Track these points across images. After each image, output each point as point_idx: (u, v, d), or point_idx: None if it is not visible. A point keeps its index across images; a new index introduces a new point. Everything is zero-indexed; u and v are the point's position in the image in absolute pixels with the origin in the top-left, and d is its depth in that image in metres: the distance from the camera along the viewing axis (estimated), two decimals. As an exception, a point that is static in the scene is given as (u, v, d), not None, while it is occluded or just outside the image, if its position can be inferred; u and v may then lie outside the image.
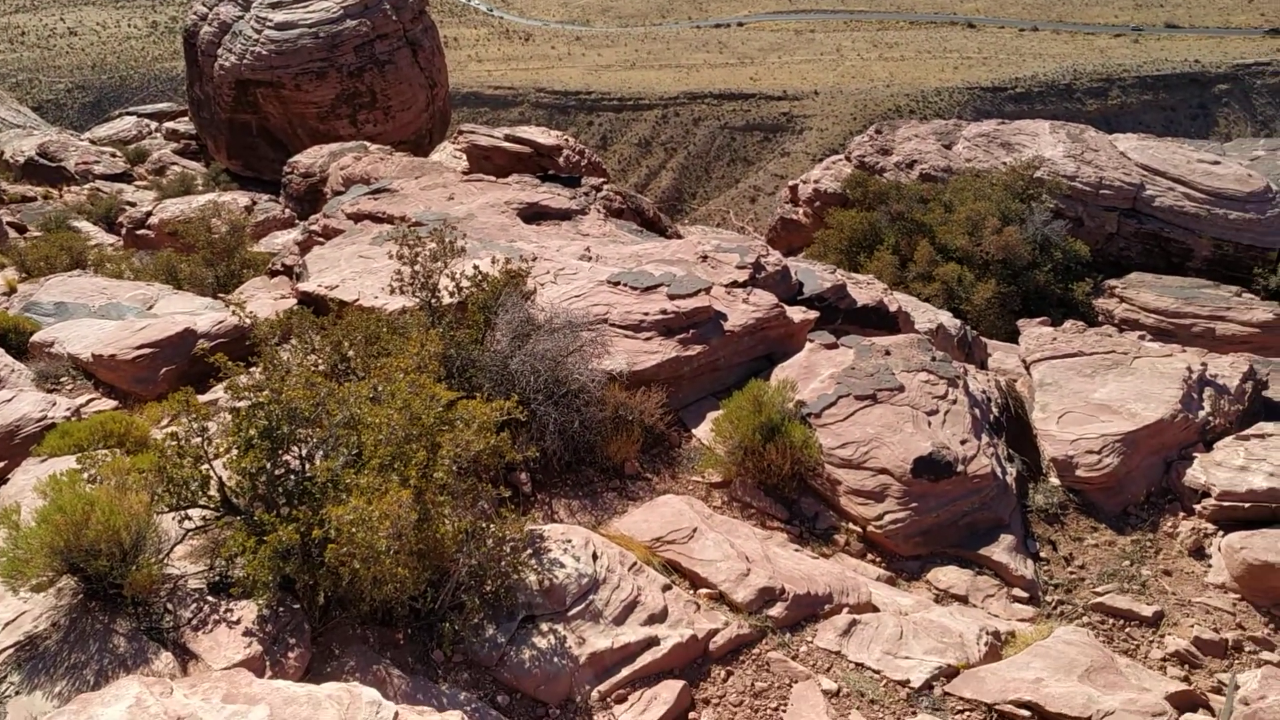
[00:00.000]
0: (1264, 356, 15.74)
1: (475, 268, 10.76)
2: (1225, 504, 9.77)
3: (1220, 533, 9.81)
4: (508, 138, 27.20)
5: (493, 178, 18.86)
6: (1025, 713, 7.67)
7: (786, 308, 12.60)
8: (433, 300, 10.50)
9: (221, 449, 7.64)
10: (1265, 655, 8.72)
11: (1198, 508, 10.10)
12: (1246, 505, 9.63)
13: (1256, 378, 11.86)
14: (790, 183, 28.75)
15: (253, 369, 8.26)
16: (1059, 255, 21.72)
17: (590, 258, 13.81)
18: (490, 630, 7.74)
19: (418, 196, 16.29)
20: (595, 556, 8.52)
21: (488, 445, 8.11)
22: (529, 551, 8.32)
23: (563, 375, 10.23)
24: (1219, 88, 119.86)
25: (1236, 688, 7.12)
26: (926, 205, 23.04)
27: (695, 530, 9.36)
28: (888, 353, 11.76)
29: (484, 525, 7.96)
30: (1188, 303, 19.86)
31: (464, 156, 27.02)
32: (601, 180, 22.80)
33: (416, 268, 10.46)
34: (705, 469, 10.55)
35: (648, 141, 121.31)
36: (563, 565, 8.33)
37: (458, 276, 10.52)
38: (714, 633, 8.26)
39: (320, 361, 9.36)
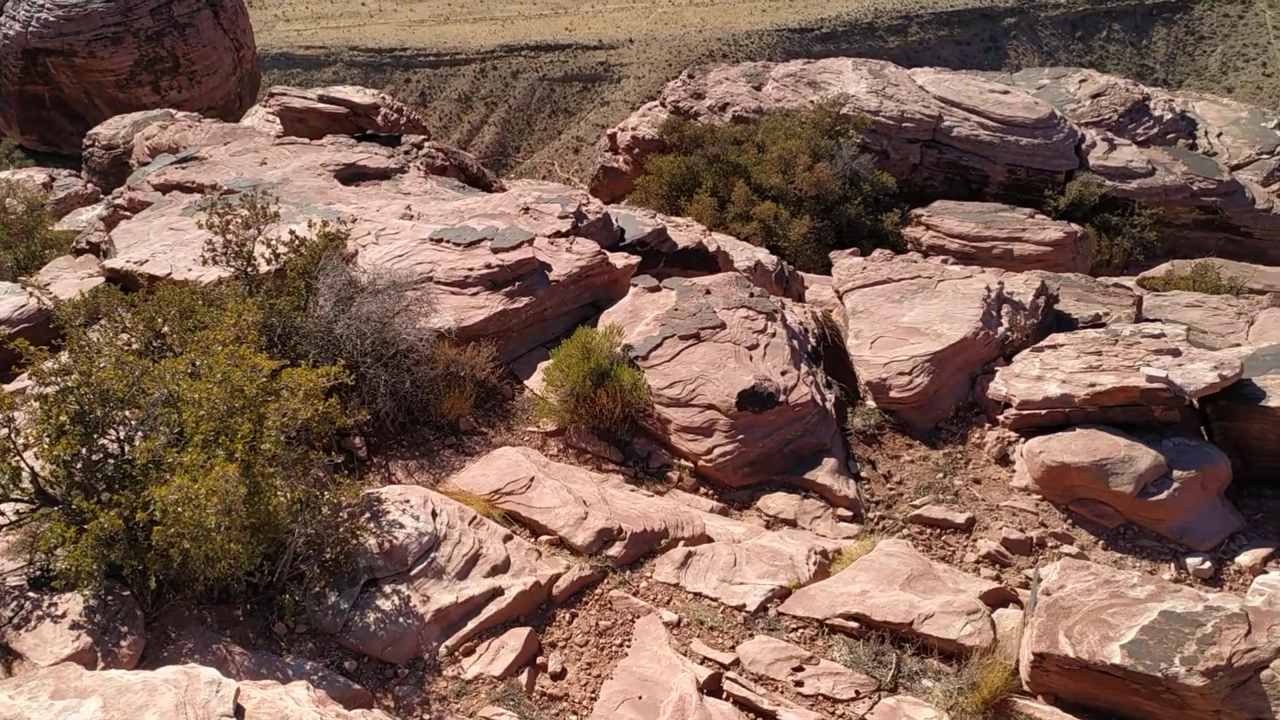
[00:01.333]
0: (1056, 272, 16.57)
1: (292, 233, 10.41)
2: (1025, 413, 10.30)
3: (1022, 440, 10.35)
4: (322, 98, 26.31)
5: (307, 140, 18.22)
6: (854, 624, 8.00)
7: (609, 255, 12.63)
8: (249, 269, 10.12)
9: (31, 438, 7.22)
10: (1065, 549, 9.29)
11: (1001, 418, 10.62)
12: (1043, 412, 10.17)
13: (1048, 293, 12.49)
14: (609, 131, 28.71)
15: (60, 353, 7.84)
16: (868, 188, 22.32)
17: (412, 216, 13.53)
18: (333, 597, 7.61)
19: (229, 163, 15.62)
20: (435, 514, 8.45)
21: (316, 412, 7.91)
22: (367, 515, 8.20)
23: (390, 336, 10.03)
24: (1008, 21, 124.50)
25: (1039, 580, 7.56)
26: (741, 147, 23.32)
27: (533, 479, 9.37)
28: (708, 292, 11.92)
29: (318, 493, 7.80)
30: (987, 226, 20.72)
31: (277, 120, 26.01)
32: (422, 138, 22.29)
33: (229, 236, 10.06)
34: (540, 418, 10.55)
35: (468, 97, 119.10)
36: (402, 526, 8.23)
37: (274, 243, 10.17)
38: (556, 577, 8.32)
39: (133, 340, 8.92)
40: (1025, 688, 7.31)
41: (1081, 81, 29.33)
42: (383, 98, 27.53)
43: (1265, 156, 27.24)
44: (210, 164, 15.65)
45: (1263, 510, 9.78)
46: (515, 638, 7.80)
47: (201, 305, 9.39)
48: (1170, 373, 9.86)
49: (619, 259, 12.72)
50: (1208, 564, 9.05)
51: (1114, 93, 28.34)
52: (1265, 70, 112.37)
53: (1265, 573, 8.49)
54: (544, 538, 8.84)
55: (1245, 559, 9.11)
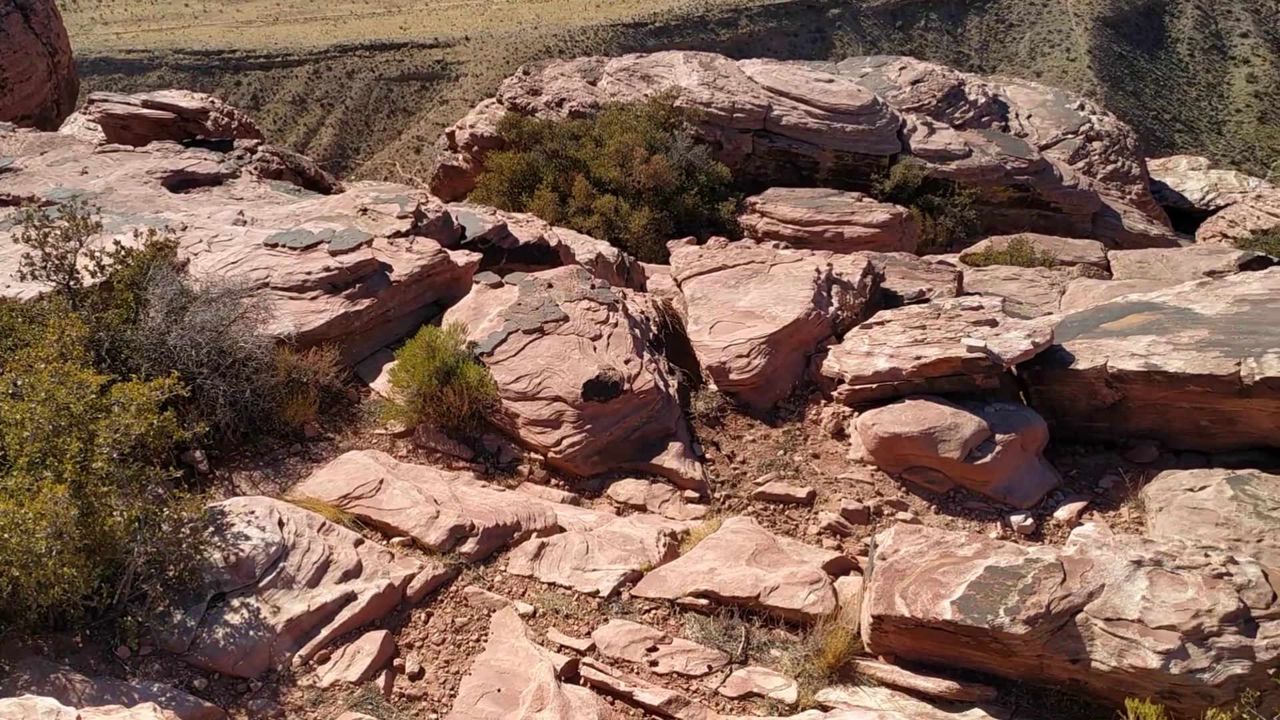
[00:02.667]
0: (884, 252, 17.16)
1: (117, 243, 10.00)
2: (857, 388, 10.65)
3: (856, 414, 10.70)
4: (146, 104, 25.17)
5: (132, 147, 17.48)
6: (704, 601, 8.15)
7: (450, 253, 12.53)
8: (71, 283, 9.68)
9: None
10: (900, 515, 9.65)
11: (836, 394, 10.96)
12: (874, 386, 10.53)
13: (875, 272, 12.93)
14: (448, 129, 28.38)
15: None
16: (704, 178, 22.64)
17: (245, 221, 13.15)
18: (178, 616, 7.37)
19: (46, 174, 14.89)
20: (282, 524, 8.26)
21: (151, 427, 7.66)
22: (210, 529, 7.96)
23: (227, 345, 9.75)
24: (832, 12, 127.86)
25: (876, 547, 7.84)
26: (579, 141, 23.37)
27: (382, 482, 9.25)
28: (550, 286, 11.94)
29: (158, 510, 7.52)
30: (818, 211, 21.29)
31: (99, 127, 24.83)
32: (256, 142, 21.67)
33: (48, 249, 9.60)
34: (387, 420, 10.41)
35: (302, 99, 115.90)
36: (248, 538, 8.02)
37: (98, 254, 9.76)
38: (410, 578, 8.24)
39: (-53, 364, 8.44)
40: (867, 649, 7.58)
41: (901, 69, 30.35)
42: (212, 101, 26.53)
43: (1070, 136, 28.72)
44: (26, 175, 14.88)
45: (1077, 467, 10.35)
46: (371, 641, 7.70)
47: (21, 322, 8.96)
48: (989, 342, 10.33)
49: (460, 257, 12.63)
50: (1030, 520, 9.54)
51: (932, 79, 29.42)
52: (1069, 55, 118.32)
53: (1081, 524, 9.00)
54: (396, 539, 8.75)
55: (1063, 513, 9.64)
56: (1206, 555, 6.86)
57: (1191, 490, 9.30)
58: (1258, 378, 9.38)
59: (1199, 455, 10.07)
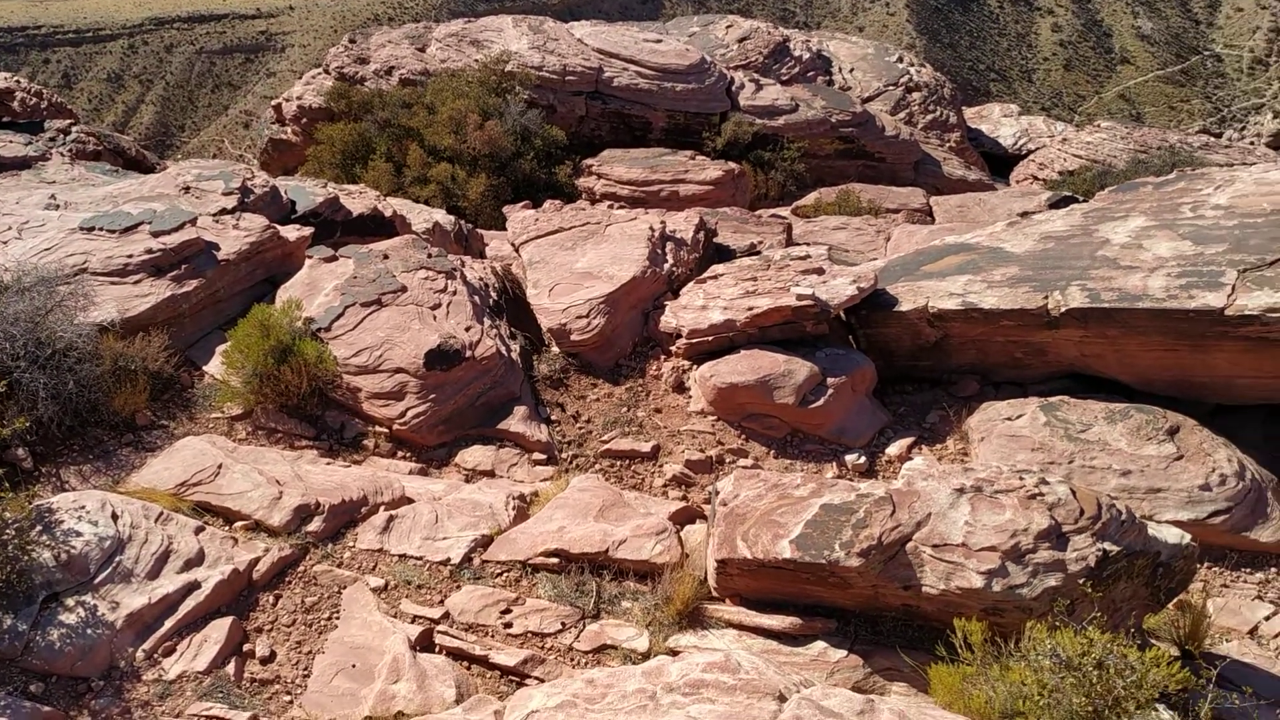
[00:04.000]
0: (720, 208, 17.39)
1: (-87, 238, 9.37)
2: (694, 341, 10.81)
3: (694, 367, 10.87)
4: (-59, 88, 23.52)
5: (-73, 135, 16.35)
6: (554, 560, 8.19)
7: (280, 228, 12.14)
8: None
9: None
10: (741, 462, 9.88)
11: (674, 349, 11.10)
12: (710, 339, 10.71)
13: (707, 227, 13.10)
14: (274, 102, 27.39)
15: None
16: (539, 143, 22.45)
17: (58, 205, 12.47)
18: (8, 620, 7.02)
19: None
20: (116, 516, 7.93)
21: (-37, 427, 7.24)
22: (38, 529, 7.59)
23: (45, 336, 9.27)
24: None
25: (718, 493, 8.01)
26: (411, 110, 22.88)
27: (220, 466, 8.96)
28: (386, 257, 11.71)
29: (-23, 512, 7.14)
30: (653, 171, 21.39)
31: (-110, 114, 23.07)
32: (69, 122, 20.47)
33: None
34: (223, 404, 10.07)
35: (118, 75, 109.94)
36: (79, 534, 7.67)
37: (-108, 251, 9.13)
38: (256, 562, 8.03)
39: None
40: (714, 593, 7.75)
41: (728, 27, 30.66)
42: (17, 81, 24.95)
43: (891, 88, 29.57)
44: None
45: (905, 404, 10.77)
46: (218, 629, 7.49)
47: None
48: (816, 290, 10.62)
49: (291, 232, 12.26)
50: (863, 459, 9.89)
51: (758, 36, 29.82)
52: (889, 9, 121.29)
53: (911, 459, 9.37)
54: (239, 524, 8.50)
55: (894, 449, 10.03)
56: (1021, 478, 7.23)
57: (1009, 419, 9.79)
58: (1064, 309, 9.90)
59: (1016, 386, 10.60)
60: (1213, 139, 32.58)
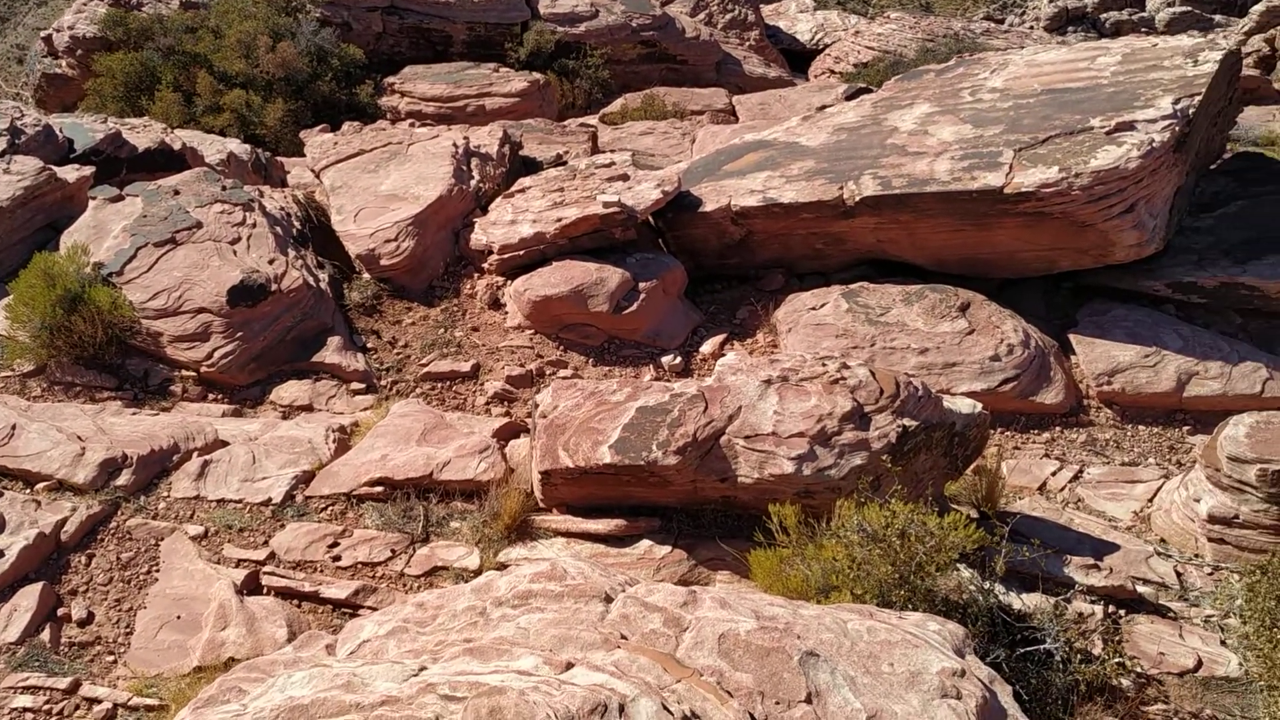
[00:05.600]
0: (528, 120, 17.05)
1: None
2: (505, 256, 10.63)
3: (508, 282, 10.71)
4: None
5: None
6: (379, 488, 8.03)
7: (57, 170, 11.28)
8: None
9: None
10: (562, 373, 9.84)
11: (486, 265, 10.90)
12: (521, 253, 10.55)
13: (512, 141, 12.82)
14: (43, 34, 25.25)
15: None
16: (337, 63, 21.40)
17: None
18: None
19: None
20: (-101, 491, 7.36)
21: None
22: None
23: None
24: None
25: (537, 406, 7.96)
26: (196, 35, 21.43)
27: (15, 427, 8.39)
28: (177, 193, 11.04)
29: None
30: (458, 86, 20.74)
31: None
32: None
33: None
34: (13, 361, 9.42)
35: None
36: None
37: None
38: (63, 523, 7.60)
39: None
40: (541, 505, 7.75)
41: (523, -66, 29.69)
42: None
43: (690, -12, 29.31)
44: None
45: (716, 303, 10.90)
46: (27, 596, 7.09)
47: None
48: (622, 196, 10.54)
49: (70, 172, 11.40)
50: (679, 359, 9.99)
51: (554, -58, 28.98)
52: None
53: (724, 355, 9.50)
54: (41, 485, 7.99)
55: (707, 347, 10.15)
56: (824, 365, 7.42)
57: (814, 309, 10.02)
58: (858, 198, 10.13)
59: (819, 276, 10.85)
60: (995, 25, 33.68)
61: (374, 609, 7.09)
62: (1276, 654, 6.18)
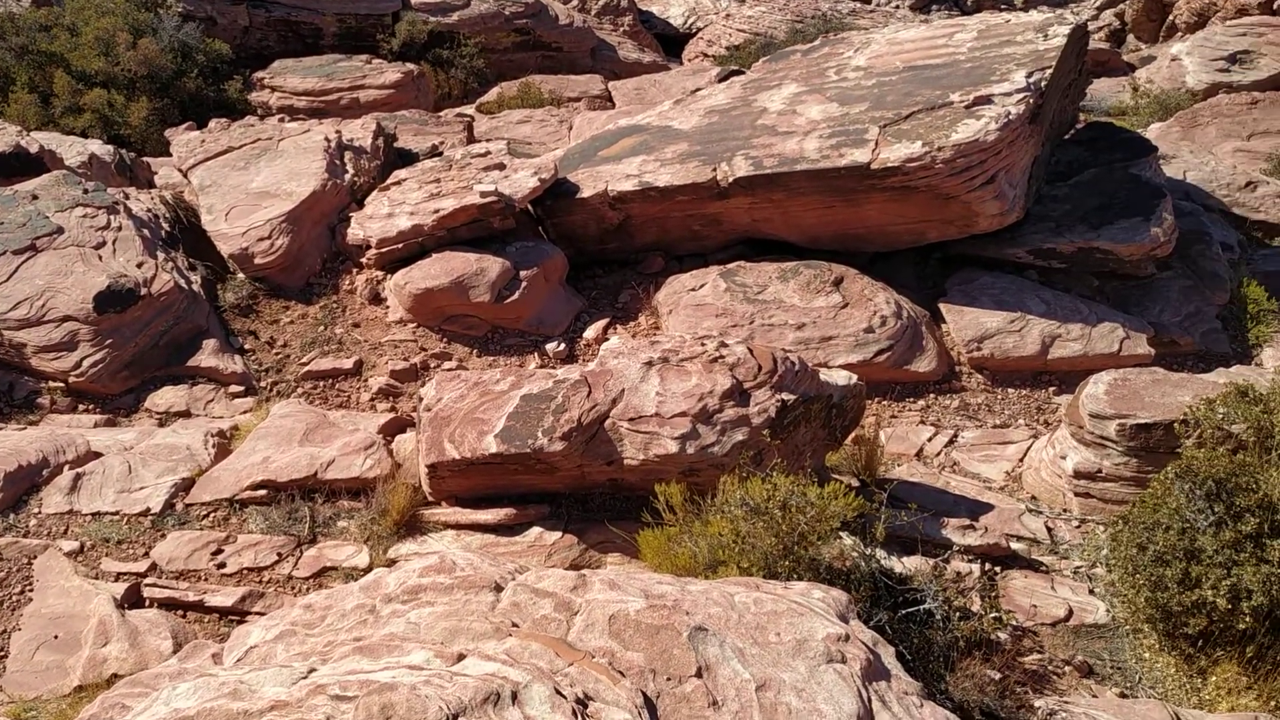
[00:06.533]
0: (403, 112, 16.76)
1: None
2: (383, 250, 10.44)
3: (388, 276, 10.52)
4: None
5: None
6: (263, 491, 7.82)
7: (-98, 180, 10.69)
8: None
9: None
10: (447, 365, 9.72)
11: (364, 260, 10.69)
12: (399, 246, 10.37)
13: (386, 133, 12.58)
14: (-115, 37, 23.83)
15: None
16: (202, 59, 20.71)
17: None
18: None
19: None
20: None
21: None
22: None
23: None
24: None
25: (421, 399, 7.84)
26: (50, 33, 20.48)
27: None
28: (35, 197, 10.57)
29: None
30: (330, 79, 20.28)
31: None
32: None
33: None
34: None
35: None
36: None
37: None
38: (-75, 547, 7.23)
39: None
40: (430, 498, 7.65)
41: (390, -77, 29.09)
42: None
43: (562, -25, 29.14)
44: None
45: (598, 288, 10.89)
46: (-111, 625, 6.73)
47: None
48: (499, 185, 10.44)
49: (-83, 182, 10.82)
50: (563, 346, 9.96)
51: (422, -69, 28.49)
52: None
53: (607, 339, 9.50)
54: (-100, 509, 7.60)
55: (590, 333, 10.14)
56: (703, 344, 7.47)
57: (693, 290, 10.09)
58: (731, 179, 10.21)
59: (698, 257, 10.92)
60: (861, 4, 34.28)
61: (262, 614, 6.90)
62: (1139, 599, 6.45)
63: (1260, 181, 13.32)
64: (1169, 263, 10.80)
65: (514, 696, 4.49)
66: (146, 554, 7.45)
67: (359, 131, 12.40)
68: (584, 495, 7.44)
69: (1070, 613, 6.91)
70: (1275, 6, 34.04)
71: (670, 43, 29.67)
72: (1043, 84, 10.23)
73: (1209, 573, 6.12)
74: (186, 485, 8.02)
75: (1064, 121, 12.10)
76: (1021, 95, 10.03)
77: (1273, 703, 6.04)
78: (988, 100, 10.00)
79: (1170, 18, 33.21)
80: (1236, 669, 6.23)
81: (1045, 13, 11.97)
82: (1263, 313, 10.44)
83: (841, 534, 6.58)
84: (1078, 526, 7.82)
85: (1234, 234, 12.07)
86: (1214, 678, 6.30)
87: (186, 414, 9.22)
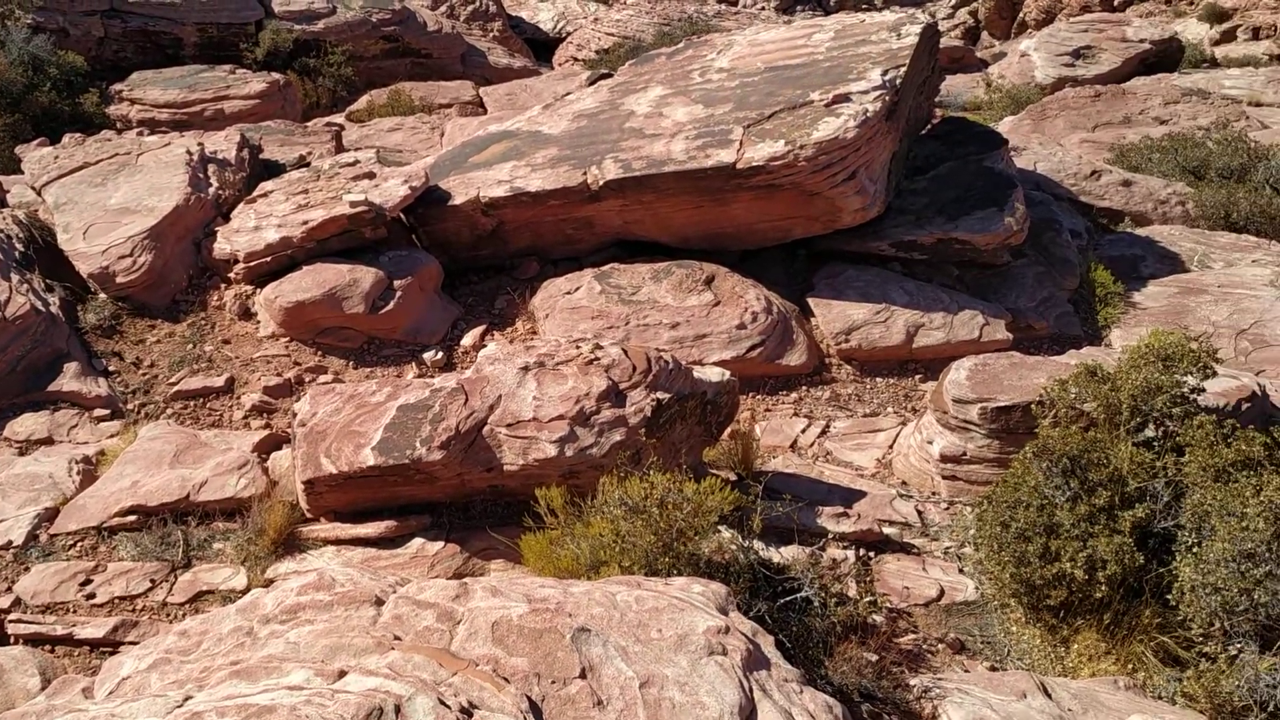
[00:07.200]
0: (270, 122, 16.33)
1: None
2: (252, 264, 10.16)
3: (258, 290, 10.24)
4: None
5: None
6: (133, 517, 7.54)
7: None
8: None
9: None
10: (322, 379, 9.51)
11: (233, 275, 10.39)
12: (268, 259, 10.11)
13: (250, 144, 12.25)
14: None
15: None
16: (55, 72, 19.86)
17: None
18: None
19: None
20: None
21: None
22: None
23: None
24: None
25: (296, 414, 7.67)
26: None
27: None
28: (-126, 223, 9.98)
29: None
30: (192, 90, 19.65)
31: None
32: None
33: None
34: None
35: None
36: None
37: None
38: None
39: None
40: (308, 514, 7.49)
41: (250, -70, 28.33)
42: None
43: (429, -19, 28.76)
44: None
45: (474, 295, 10.79)
46: None
47: None
48: (369, 194, 10.27)
49: None
50: (440, 354, 9.84)
51: (284, -62, 27.80)
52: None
53: (485, 346, 9.44)
54: None
55: (468, 340, 10.04)
56: (578, 347, 7.48)
57: (569, 293, 10.09)
58: (602, 182, 10.24)
59: (573, 261, 10.91)
60: (728, 7, 34.73)
61: (136, 644, 6.66)
62: (1005, 575, 6.68)
63: (1104, 171, 13.96)
64: (1023, 250, 11.22)
65: (397, 710, 4.43)
66: (10, 589, 7.11)
67: (223, 143, 12.04)
68: (466, 504, 7.38)
69: (942, 592, 7.12)
70: (1116, 3, 35.70)
71: (541, 47, 29.60)
72: (898, 81, 10.52)
73: (1067, 546, 6.38)
74: (50, 515, 7.69)
75: (920, 118, 12.48)
76: (878, 93, 10.31)
77: (1130, 666, 6.33)
78: (846, 98, 10.24)
79: (1021, 15, 34.55)
80: (1096, 636, 6.51)
81: (899, 12, 12.33)
82: (1110, 295, 10.93)
83: (720, 528, 6.66)
84: (946, 508, 8.07)
85: (1082, 221, 12.61)
86: (1076, 646, 6.58)
87: (49, 441, 8.82)
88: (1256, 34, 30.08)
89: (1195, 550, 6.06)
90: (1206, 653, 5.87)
